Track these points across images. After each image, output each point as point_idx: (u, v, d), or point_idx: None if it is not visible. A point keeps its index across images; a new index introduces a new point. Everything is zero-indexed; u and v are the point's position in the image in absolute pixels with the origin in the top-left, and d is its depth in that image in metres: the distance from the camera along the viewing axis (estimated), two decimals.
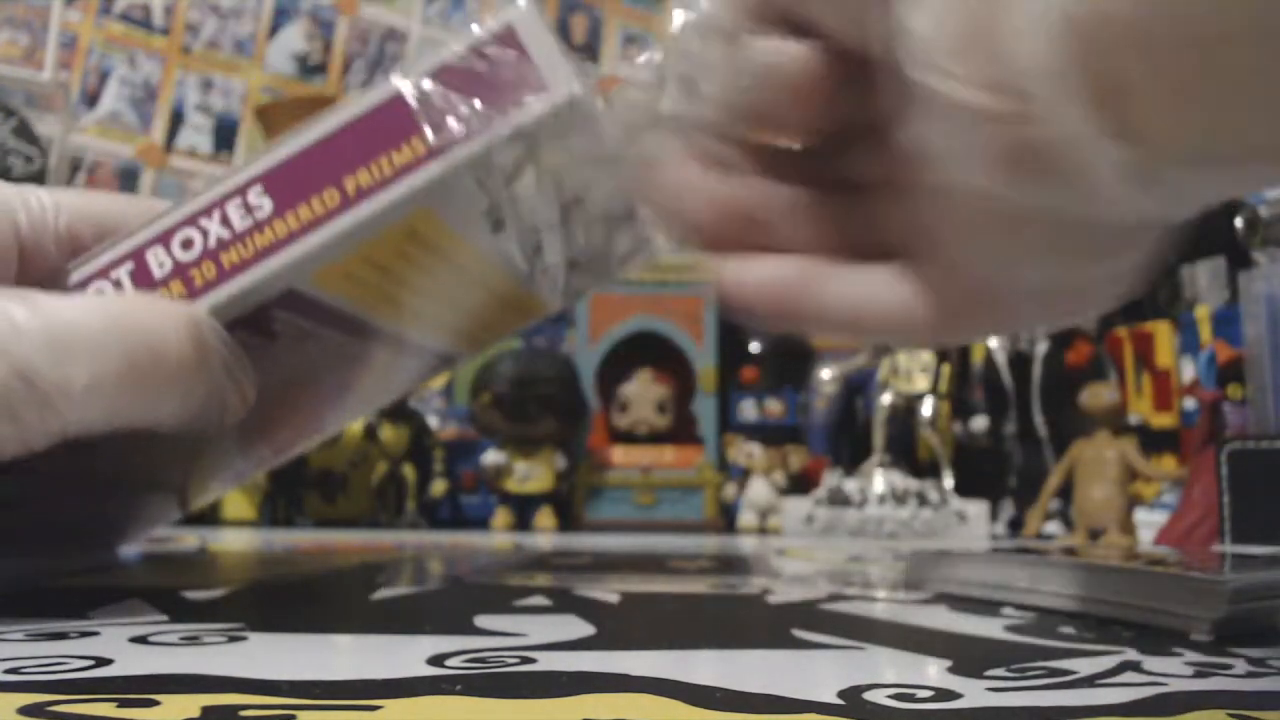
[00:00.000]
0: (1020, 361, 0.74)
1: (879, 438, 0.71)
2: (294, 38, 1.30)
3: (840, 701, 0.17)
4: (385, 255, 0.28)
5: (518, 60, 0.27)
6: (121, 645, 0.21)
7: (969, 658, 0.21)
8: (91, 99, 1.17)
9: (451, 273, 0.31)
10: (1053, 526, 0.64)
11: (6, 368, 0.23)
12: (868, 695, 0.17)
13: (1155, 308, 0.74)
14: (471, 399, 0.83)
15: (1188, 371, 0.67)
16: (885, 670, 0.20)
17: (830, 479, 0.70)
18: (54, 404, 0.23)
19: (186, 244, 0.27)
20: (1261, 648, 0.23)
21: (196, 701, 0.16)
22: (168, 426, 0.26)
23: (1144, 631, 0.25)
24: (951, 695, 0.17)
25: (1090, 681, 0.19)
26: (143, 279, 0.27)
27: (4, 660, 0.19)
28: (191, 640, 0.22)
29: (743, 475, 0.83)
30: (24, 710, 0.15)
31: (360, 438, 0.78)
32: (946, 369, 0.76)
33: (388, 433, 0.78)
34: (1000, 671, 0.20)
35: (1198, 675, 0.19)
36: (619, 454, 0.84)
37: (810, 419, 0.87)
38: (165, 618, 0.25)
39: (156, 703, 0.16)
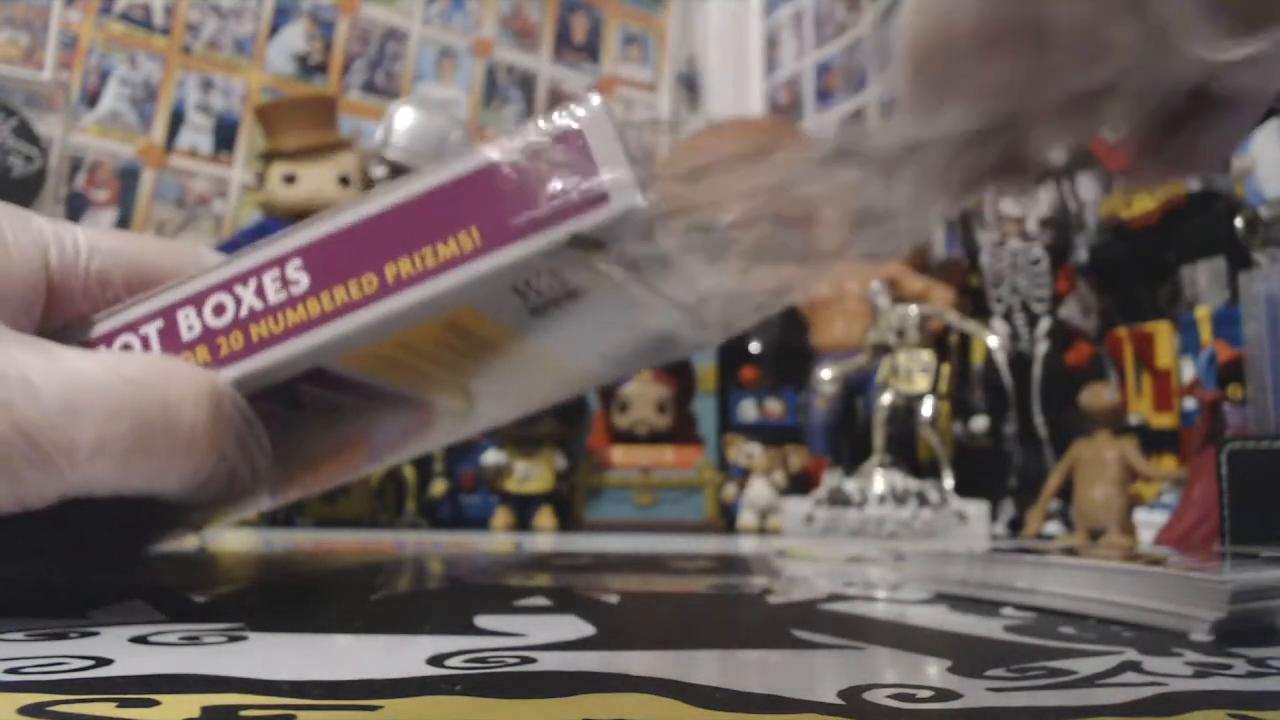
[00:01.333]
0: (1020, 361, 0.74)
1: (879, 438, 0.71)
2: (294, 38, 1.30)
3: (840, 701, 0.17)
4: (421, 340, 0.27)
5: (581, 164, 0.25)
6: (121, 645, 0.21)
7: (969, 658, 0.21)
8: (92, 99, 1.17)
9: (490, 353, 0.31)
10: (1053, 526, 0.64)
11: (9, 424, 0.22)
12: (868, 695, 0.17)
13: (1155, 308, 0.74)
14: None
15: (1188, 371, 0.67)
16: (885, 670, 0.20)
17: (830, 479, 0.70)
18: (56, 464, 0.23)
19: (219, 310, 0.26)
20: (1261, 648, 0.23)
21: (196, 701, 0.16)
22: (171, 494, 0.25)
23: (1144, 631, 0.25)
24: (951, 695, 0.17)
25: (1090, 681, 0.19)
26: (170, 339, 0.26)
27: (4, 660, 0.19)
28: (191, 640, 0.22)
29: (743, 475, 0.83)
30: (24, 710, 0.15)
31: None
32: (946, 369, 0.75)
33: None
34: (1000, 671, 0.20)
35: (1198, 675, 0.19)
36: (619, 454, 0.84)
37: (810, 419, 0.87)
38: (165, 618, 0.25)
39: (156, 703, 0.16)
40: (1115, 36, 0.22)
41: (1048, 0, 0.22)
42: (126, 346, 0.26)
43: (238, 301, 0.26)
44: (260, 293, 0.26)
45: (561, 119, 0.26)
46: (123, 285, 0.28)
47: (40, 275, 0.26)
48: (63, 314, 0.27)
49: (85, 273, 0.27)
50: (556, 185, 0.25)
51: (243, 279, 0.26)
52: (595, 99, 0.26)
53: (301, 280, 0.26)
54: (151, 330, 0.26)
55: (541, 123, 0.26)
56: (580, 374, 0.37)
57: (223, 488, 0.26)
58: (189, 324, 0.26)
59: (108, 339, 0.27)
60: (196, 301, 0.26)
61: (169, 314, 0.26)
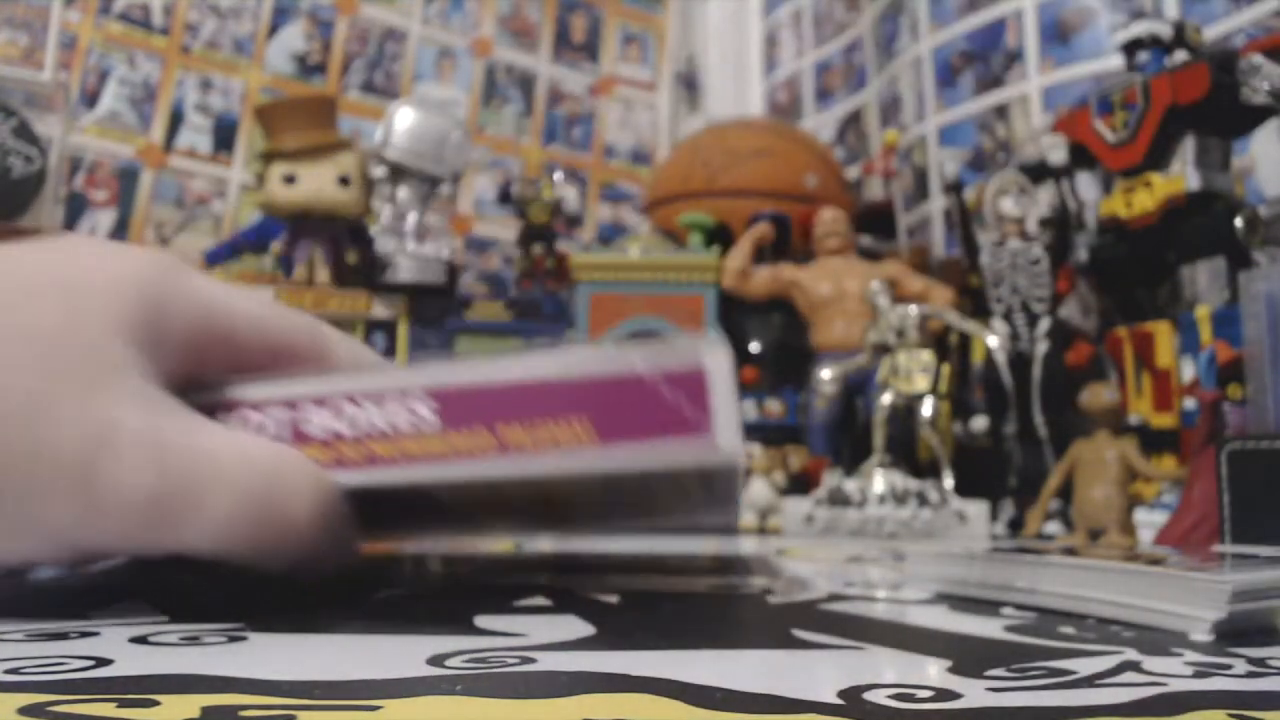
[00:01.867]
0: (1020, 361, 0.74)
1: (879, 438, 0.70)
2: (293, 38, 1.30)
3: (840, 701, 0.17)
4: (517, 489, 0.30)
5: (697, 400, 0.28)
6: (121, 645, 0.21)
7: (969, 658, 0.21)
8: (91, 99, 1.17)
9: (551, 506, 0.34)
10: (1053, 526, 0.64)
11: (140, 488, 0.24)
12: (868, 695, 0.17)
13: (1155, 308, 0.74)
14: None
15: (1188, 371, 0.67)
16: (885, 670, 0.20)
17: (830, 479, 0.70)
18: (174, 530, 0.24)
19: (348, 419, 0.29)
20: (1261, 648, 0.23)
21: (196, 701, 0.16)
22: (263, 568, 0.27)
23: (1144, 631, 0.25)
24: (951, 695, 0.17)
25: (1090, 681, 0.19)
26: (296, 431, 0.29)
27: (4, 660, 0.19)
28: (191, 640, 0.22)
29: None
30: (24, 710, 0.15)
31: None
32: (946, 369, 0.75)
33: None
34: (1000, 671, 0.20)
35: (1198, 675, 0.19)
36: None
37: (810, 419, 0.87)
38: (165, 618, 0.25)
39: (156, 703, 0.16)
40: None
41: None
42: (255, 424, 0.29)
43: (367, 417, 0.29)
44: (389, 416, 0.29)
45: (690, 354, 0.28)
46: (261, 351, 0.30)
47: (193, 336, 0.28)
48: (202, 367, 0.29)
49: (229, 333, 0.29)
50: (672, 413, 0.28)
51: (376, 398, 0.29)
52: (721, 348, 0.29)
53: (428, 418, 0.28)
54: (282, 416, 0.29)
55: (671, 348, 0.28)
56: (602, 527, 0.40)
57: (311, 568, 0.28)
58: (319, 423, 0.29)
59: (237, 408, 0.29)
60: (331, 405, 0.29)
61: (300, 406, 0.29)
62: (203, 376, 0.28)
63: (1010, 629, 0.25)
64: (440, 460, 0.28)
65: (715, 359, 0.28)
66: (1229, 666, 0.20)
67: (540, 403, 0.28)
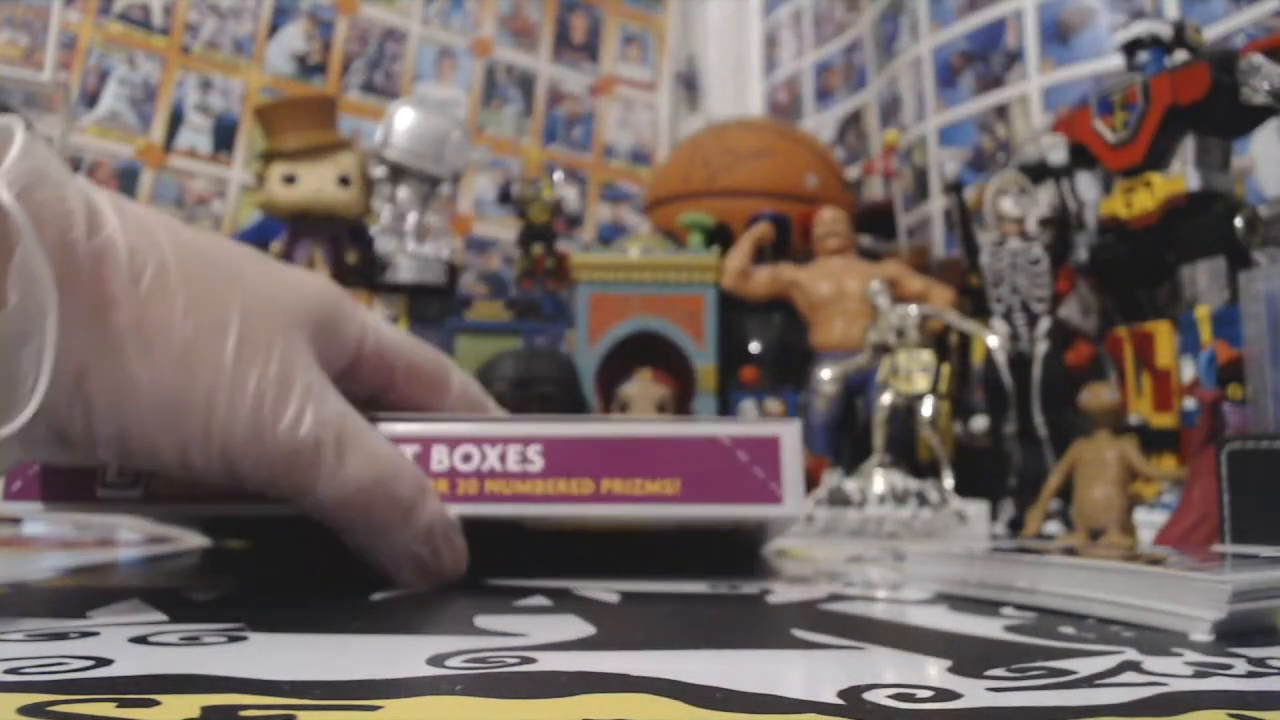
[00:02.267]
0: (1020, 361, 0.74)
1: (879, 438, 0.70)
2: (293, 38, 1.30)
3: (840, 701, 0.17)
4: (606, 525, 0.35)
5: (770, 465, 0.33)
6: (121, 645, 0.21)
7: (969, 658, 0.21)
8: (91, 99, 1.17)
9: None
10: (1053, 526, 0.64)
11: (309, 425, 0.29)
12: (868, 695, 0.17)
13: (1155, 308, 0.74)
14: None
15: (1188, 371, 0.67)
16: (885, 670, 0.20)
17: (830, 479, 0.70)
18: (313, 475, 0.29)
19: (466, 457, 0.33)
20: (1261, 648, 0.23)
21: (196, 701, 0.16)
22: (370, 551, 0.32)
23: (1144, 631, 0.25)
24: (951, 695, 0.17)
25: (1090, 681, 0.19)
26: (421, 463, 0.33)
27: (4, 660, 0.19)
28: (191, 640, 0.22)
29: None
30: (24, 710, 0.15)
31: None
32: (946, 369, 0.75)
33: None
34: (1000, 671, 0.20)
35: (1198, 675, 0.19)
36: None
37: (810, 419, 0.87)
38: (165, 618, 0.25)
39: (156, 703, 0.16)
40: None
41: None
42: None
43: (483, 457, 0.33)
44: (503, 458, 0.33)
45: (767, 428, 0.33)
46: (399, 371, 0.36)
47: (353, 349, 0.34)
48: (352, 378, 0.34)
49: (378, 352, 0.35)
50: (748, 474, 0.33)
51: (492, 442, 0.33)
52: (793, 424, 0.34)
53: (537, 462, 0.33)
54: (409, 451, 0.33)
55: (751, 418, 0.34)
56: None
57: (413, 570, 0.33)
58: (439, 459, 0.33)
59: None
60: (451, 443, 0.33)
61: (426, 444, 0.33)
62: (352, 389, 0.33)
63: (1010, 629, 0.25)
64: (543, 501, 0.32)
65: (788, 433, 0.33)
66: (1229, 666, 0.20)
67: (635, 460, 0.32)
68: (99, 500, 0.32)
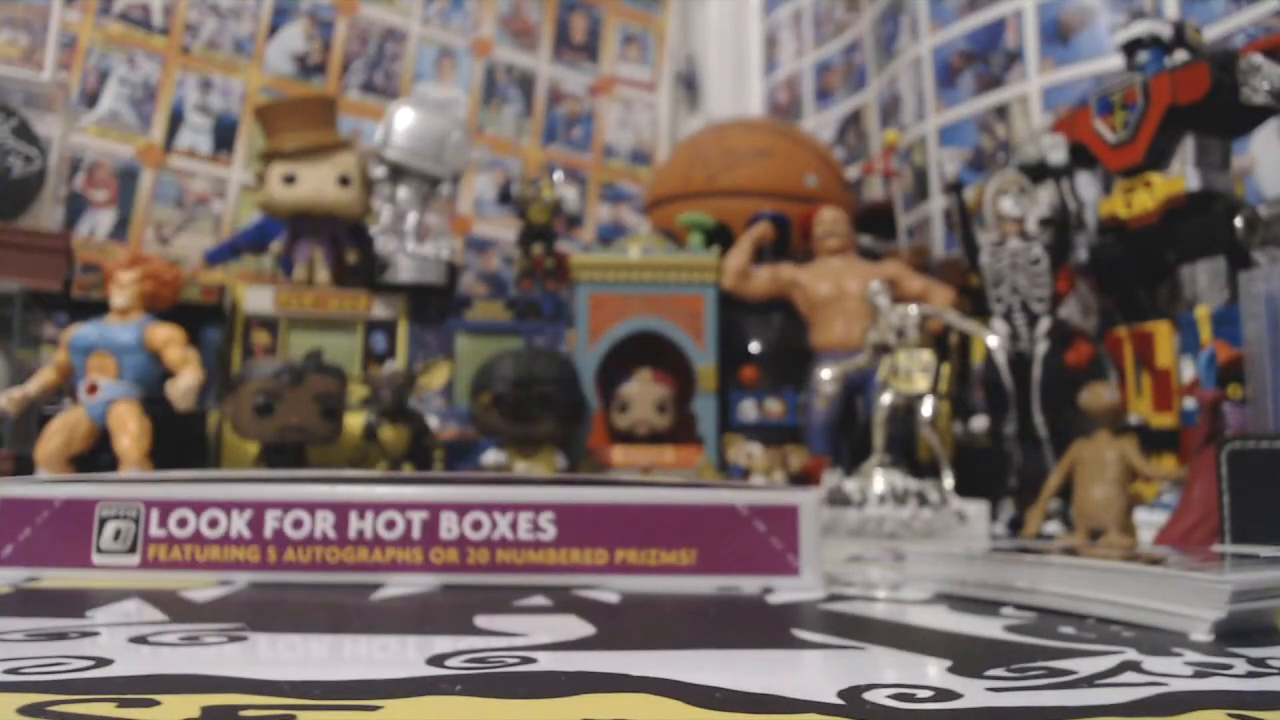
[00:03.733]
0: (1020, 361, 0.74)
1: (879, 438, 0.70)
2: (293, 38, 1.30)
3: (840, 701, 0.17)
4: None
5: (788, 535, 0.32)
6: (121, 645, 0.21)
7: (969, 658, 0.21)
8: (91, 99, 1.17)
9: None
10: (1053, 526, 0.64)
11: None
12: (868, 695, 0.17)
13: (1155, 308, 0.74)
14: (471, 399, 0.83)
15: (1188, 371, 0.67)
16: (885, 670, 0.20)
17: (830, 479, 0.70)
18: None
19: (476, 525, 0.32)
20: (1261, 648, 0.23)
21: (196, 701, 0.16)
22: None
23: (1144, 631, 0.25)
24: (951, 695, 0.17)
25: (1090, 681, 0.19)
26: (428, 531, 0.32)
27: (4, 660, 0.19)
28: (191, 640, 0.22)
29: (743, 475, 0.83)
30: (24, 710, 0.15)
31: (360, 438, 0.78)
32: (946, 369, 0.75)
33: (388, 433, 0.78)
34: (1000, 671, 0.20)
35: (1198, 675, 0.19)
36: (619, 454, 0.84)
37: (810, 419, 0.87)
38: (165, 618, 0.25)
39: (156, 703, 0.16)
40: None
41: None
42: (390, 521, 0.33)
43: (493, 524, 0.32)
44: (514, 525, 0.32)
45: (784, 496, 0.33)
46: None
47: None
48: None
49: None
50: (765, 545, 0.32)
51: (502, 508, 0.33)
52: (810, 493, 0.33)
53: (549, 530, 0.32)
54: (415, 517, 0.32)
55: (770, 486, 0.33)
56: None
57: None
58: (448, 526, 0.32)
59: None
60: (460, 510, 0.32)
61: (435, 509, 0.32)
62: None
63: (1010, 629, 0.25)
64: (555, 571, 0.32)
65: (806, 502, 0.33)
66: (1229, 666, 0.20)
67: (652, 530, 0.32)
68: (95, 567, 0.32)
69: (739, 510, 0.32)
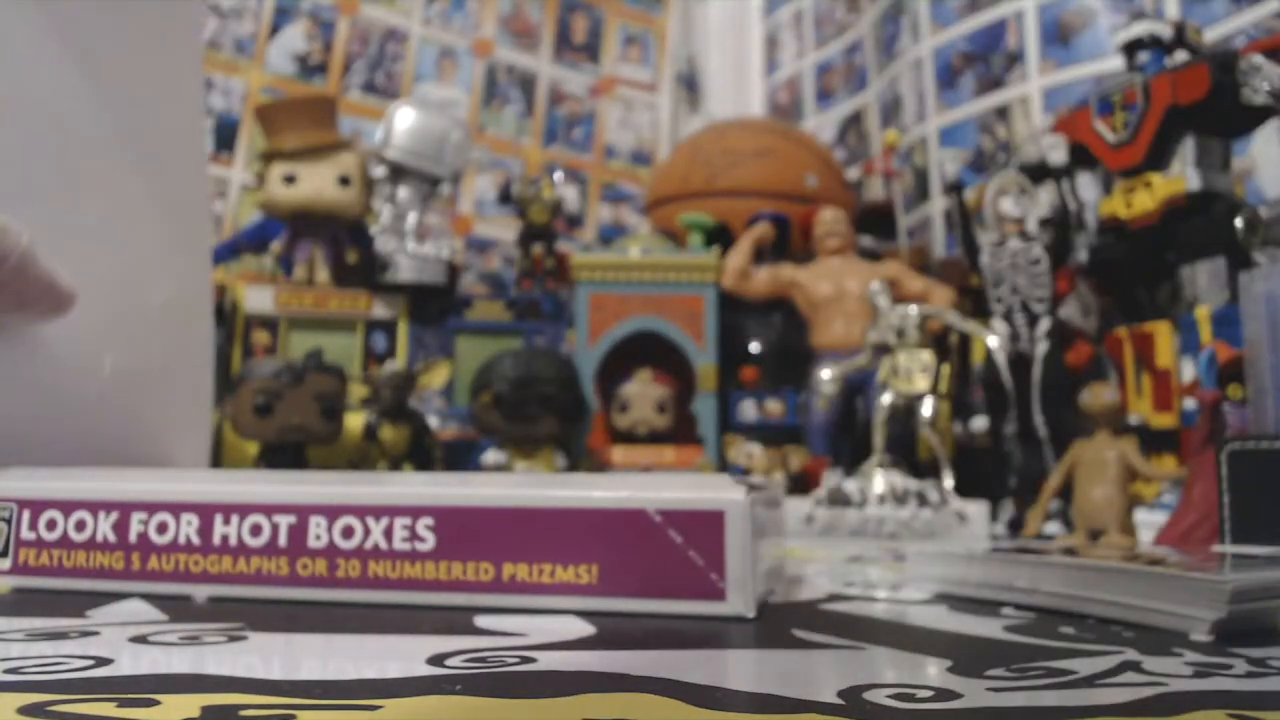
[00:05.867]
0: (1020, 361, 0.74)
1: (879, 438, 0.70)
2: (294, 38, 1.30)
3: (840, 701, 0.17)
4: None
5: (709, 549, 0.26)
6: (121, 645, 0.21)
7: (969, 658, 0.21)
8: None
9: None
10: (1053, 526, 0.64)
11: None
12: (868, 695, 0.17)
13: (1155, 308, 0.74)
14: (471, 399, 0.83)
15: (1188, 372, 0.67)
16: (885, 670, 0.20)
17: (830, 479, 0.70)
18: None
19: (348, 532, 0.28)
20: (1261, 648, 0.23)
21: (196, 701, 0.16)
22: None
23: (1144, 631, 0.25)
24: (951, 695, 0.17)
25: (1090, 681, 0.19)
26: (296, 538, 0.28)
27: (4, 660, 0.19)
28: (191, 640, 0.22)
29: (743, 475, 0.83)
30: (24, 710, 0.15)
31: (360, 438, 0.78)
32: (946, 369, 0.75)
33: (388, 433, 0.78)
34: (1000, 671, 0.20)
35: (1198, 675, 0.19)
36: (619, 454, 0.84)
37: (810, 419, 0.87)
38: (165, 618, 0.25)
39: (156, 703, 0.16)
40: None
41: None
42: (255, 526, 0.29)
43: (366, 532, 0.28)
44: (388, 533, 0.27)
45: (711, 492, 0.27)
46: None
47: None
48: None
49: None
50: (683, 560, 0.26)
51: (375, 513, 0.28)
52: (739, 489, 0.27)
53: (428, 539, 0.27)
54: (282, 521, 0.28)
55: (687, 489, 0.27)
56: None
57: None
58: (317, 533, 0.28)
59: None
60: (329, 513, 0.28)
61: (303, 513, 0.28)
62: None
63: (1010, 629, 0.25)
64: (434, 589, 0.27)
65: (734, 506, 0.26)
66: (1229, 666, 0.20)
67: (546, 539, 0.27)
68: None
69: (649, 516, 0.26)
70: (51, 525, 0.29)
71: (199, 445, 0.50)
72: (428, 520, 0.27)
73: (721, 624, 0.26)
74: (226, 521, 0.28)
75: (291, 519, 0.28)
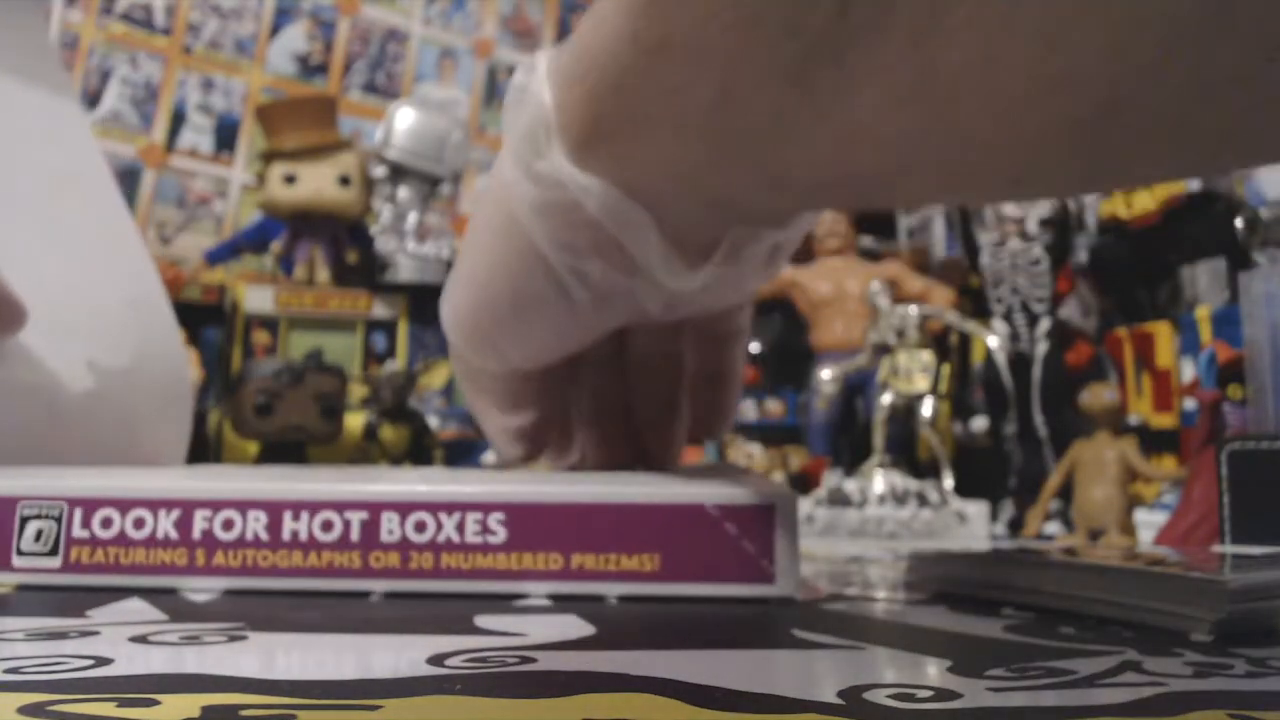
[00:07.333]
0: (1020, 361, 0.74)
1: (879, 438, 0.71)
2: (295, 38, 1.30)
3: (840, 701, 0.17)
4: None
5: (760, 540, 0.29)
6: (121, 645, 0.21)
7: (969, 658, 0.21)
8: (93, 99, 1.17)
9: None
10: (1053, 526, 0.64)
11: None
12: (868, 695, 0.17)
13: (1155, 308, 0.74)
14: None
15: (1188, 372, 0.67)
16: (885, 670, 0.20)
17: (830, 479, 0.70)
18: None
19: (420, 526, 0.29)
20: (1261, 648, 0.23)
21: (196, 701, 0.16)
22: None
23: (1144, 631, 0.25)
24: (951, 695, 0.17)
25: (1090, 681, 0.19)
26: (368, 532, 0.29)
27: (4, 660, 0.19)
28: (191, 640, 0.22)
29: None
30: (24, 710, 0.15)
31: (360, 437, 0.78)
32: (946, 369, 0.76)
33: (388, 433, 0.78)
34: (1000, 671, 0.20)
35: (1198, 675, 0.19)
36: None
37: (810, 419, 0.87)
38: (165, 617, 0.25)
39: (156, 702, 0.16)
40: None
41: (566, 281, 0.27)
42: (327, 522, 0.30)
43: (439, 526, 0.29)
44: (460, 527, 0.29)
45: (761, 491, 0.29)
46: None
47: None
48: None
49: None
50: (736, 552, 0.29)
51: (448, 508, 0.29)
52: (786, 489, 0.30)
53: (500, 533, 0.29)
54: (354, 518, 0.29)
55: (743, 481, 0.29)
56: None
57: None
58: (390, 528, 0.29)
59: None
60: (401, 510, 0.29)
61: (375, 510, 0.29)
62: None
63: (1010, 629, 0.25)
64: (505, 579, 0.28)
65: (783, 501, 0.29)
66: (1229, 666, 0.20)
67: (610, 531, 0.28)
68: (13, 569, 0.29)
69: (707, 510, 0.28)
70: (107, 523, 0.29)
71: (178, 440, 0.50)
72: (499, 515, 0.29)
73: (721, 624, 0.26)
74: (296, 518, 0.29)
75: (364, 515, 0.29)
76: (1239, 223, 0.63)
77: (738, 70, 0.19)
